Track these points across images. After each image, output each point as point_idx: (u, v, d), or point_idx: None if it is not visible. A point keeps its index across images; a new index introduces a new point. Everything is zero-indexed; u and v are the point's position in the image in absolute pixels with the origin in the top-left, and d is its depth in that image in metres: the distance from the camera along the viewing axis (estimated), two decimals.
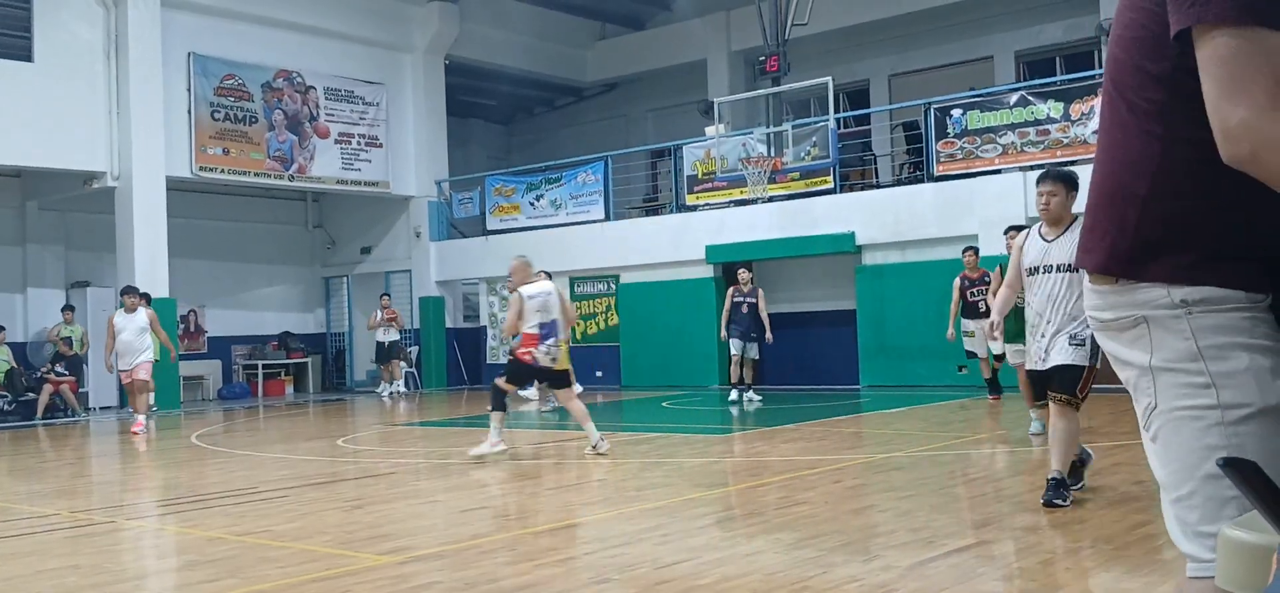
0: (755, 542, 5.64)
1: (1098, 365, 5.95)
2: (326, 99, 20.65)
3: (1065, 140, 15.20)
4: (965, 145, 16.10)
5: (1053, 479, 6.05)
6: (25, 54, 17.07)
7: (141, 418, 13.99)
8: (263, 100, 19.79)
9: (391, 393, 19.58)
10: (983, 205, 15.48)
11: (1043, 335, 6.08)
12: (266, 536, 6.20)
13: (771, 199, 17.84)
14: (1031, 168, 15.37)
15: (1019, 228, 8.86)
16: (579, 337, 20.36)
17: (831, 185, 17.38)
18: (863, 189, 18.17)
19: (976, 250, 13.03)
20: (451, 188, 22.51)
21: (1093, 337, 5.46)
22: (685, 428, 12.08)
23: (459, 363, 22.12)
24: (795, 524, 6.00)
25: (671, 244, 18.76)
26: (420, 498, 7.79)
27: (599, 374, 19.89)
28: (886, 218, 16.66)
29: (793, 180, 17.68)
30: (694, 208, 18.90)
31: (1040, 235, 6.13)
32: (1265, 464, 1.55)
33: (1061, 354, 6.02)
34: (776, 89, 18.10)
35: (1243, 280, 1.73)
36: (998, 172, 15.65)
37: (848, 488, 7.34)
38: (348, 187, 21.25)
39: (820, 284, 18.02)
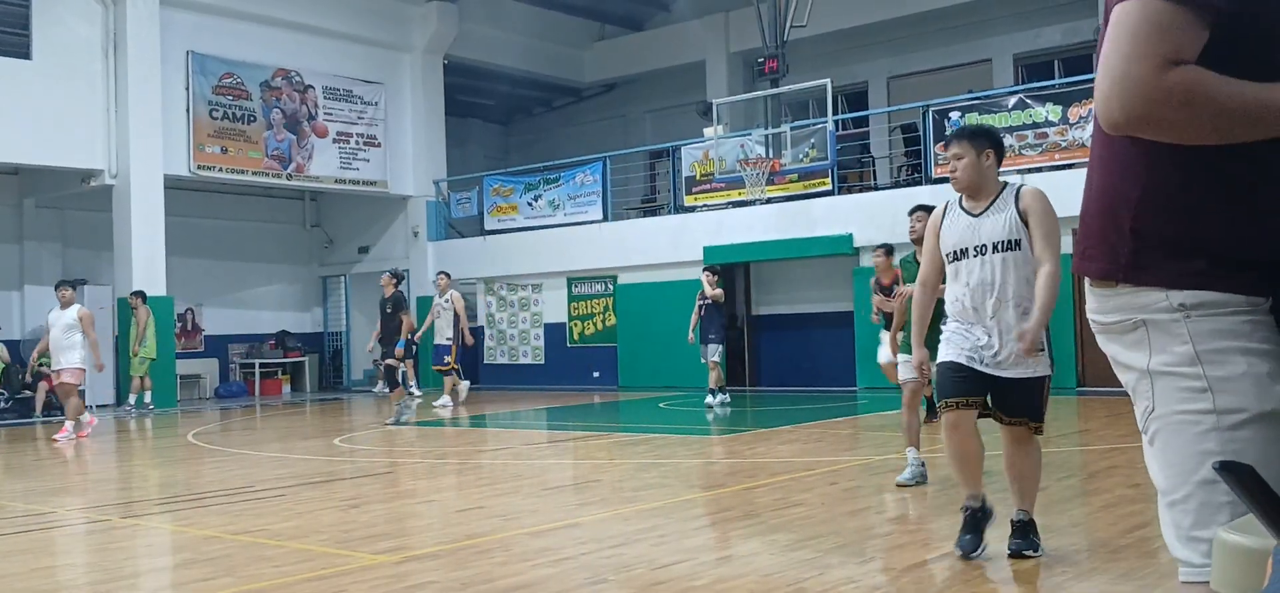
0: (751, 543, 5.64)
1: (1053, 370, 4.87)
2: (325, 98, 20.65)
3: (1063, 143, 15.22)
4: None
5: (1019, 520, 4.95)
6: (24, 51, 17.06)
7: (68, 425, 12.62)
8: (261, 99, 19.78)
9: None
10: None
11: (988, 331, 4.72)
12: (262, 534, 6.19)
13: (769, 201, 17.85)
14: (1030, 171, 15.39)
15: (927, 208, 6.51)
16: (577, 337, 20.39)
17: (829, 187, 17.39)
18: (861, 191, 18.17)
19: (889, 249, 10.66)
20: (449, 188, 22.51)
21: (1046, 339, 4.74)
22: (682, 429, 12.08)
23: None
24: (792, 526, 6.00)
25: (670, 245, 18.77)
26: (417, 498, 7.78)
27: (596, 374, 19.89)
28: (884, 220, 16.63)
29: (791, 182, 17.68)
30: (692, 209, 18.90)
31: (962, 210, 4.87)
32: (1261, 469, 1.55)
33: (1020, 365, 4.71)
34: (775, 91, 18.11)
35: (1242, 285, 1.73)
36: None
37: (844, 490, 7.33)
38: (346, 186, 21.24)
39: (817, 286, 18.03)
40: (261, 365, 21.87)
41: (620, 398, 17.68)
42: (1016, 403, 4.77)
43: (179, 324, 20.35)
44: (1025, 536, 4.94)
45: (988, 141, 4.85)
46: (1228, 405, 1.72)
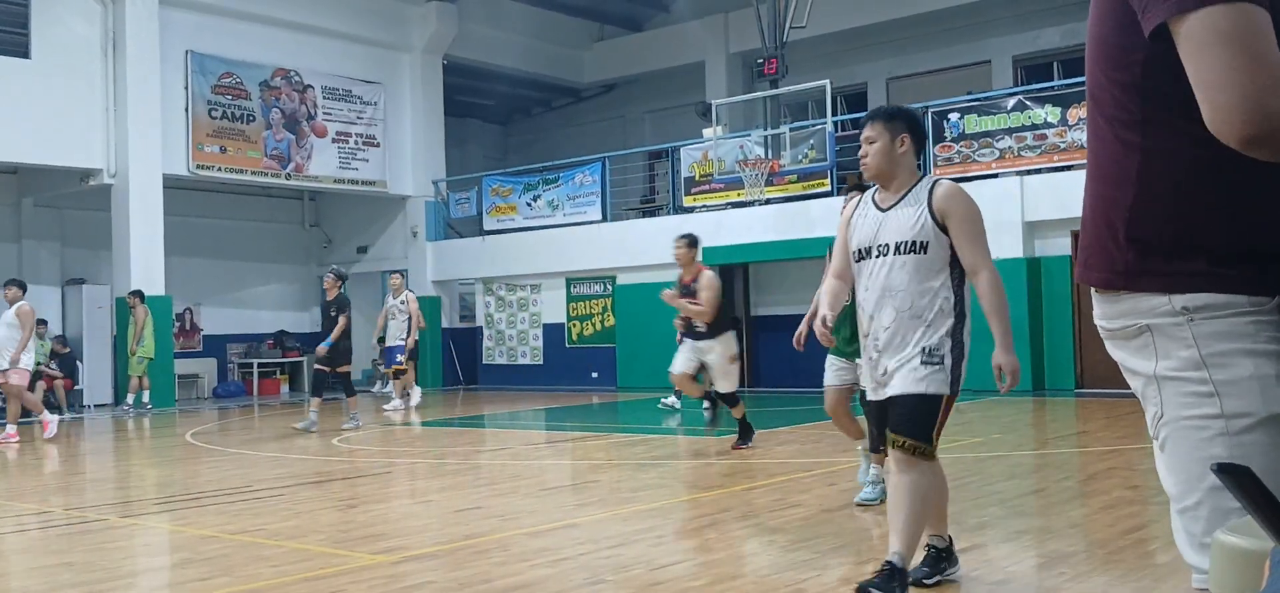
0: (749, 544, 5.63)
1: (957, 395, 4.12)
2: (324, 98, 20.64)
3: (1062, 145, 15.23)
4: (962, 149, 16.12)
5: (888, 565, 4.15)
6: (22, 50, 17.06)
7: (13, 428, 12.23)
8: (260, 99, 19.77)
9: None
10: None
11: (878, 347, 4.13)
12: (260, 534, 6.19)
13: (769, 201, 17.84)
14: (1029, 172, 15.40)
15: (863, 187, 5.18)
16: (575, 337, 20.39)
17: (829, 188, 17.39)
18: (860, 192, 18.15)
19: (692, 240, 9.52)
20: (448, 188, 22.51)
21: (952, 352, 4.06)
22: (681, 430, 12.07)
23: (455, 363, 22.11)
24: (789, 527, 5.99)
25: (668, 245, 18.70)
26: (415, 498, 7.78)
27: (595, 375, 19.89)
28: None
29: (790, 183, 17.68)
30: (691, 209, 18.89)
31: (874, 204, 4.26)
32: (1270, 474, 1.53)
33: (908, 378, 4.04)
34: (774, 91, 18.11)
35: (1245, 285, 1.70)
36: (995, 176, 15.67)
37: (843, 491, 7.32)
38: (345, 186, 21.24)
39: (816, 286, 17.92)
40: (260, 365, 21.85)
41: (619, 398, 17.68)
42: (897, 415, 4.10)
43: (177, 324, 20.33)
44: (888, 582, 4.08)
45: (904, 125, 4.21)
46: (1235, 410, 1.70)
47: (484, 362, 21.67)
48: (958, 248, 4.05)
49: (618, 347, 19.57)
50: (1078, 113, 15.12)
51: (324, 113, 20.62)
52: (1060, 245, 15.25)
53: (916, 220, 4.04)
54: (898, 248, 4.05)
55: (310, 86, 20.42)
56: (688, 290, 9.26)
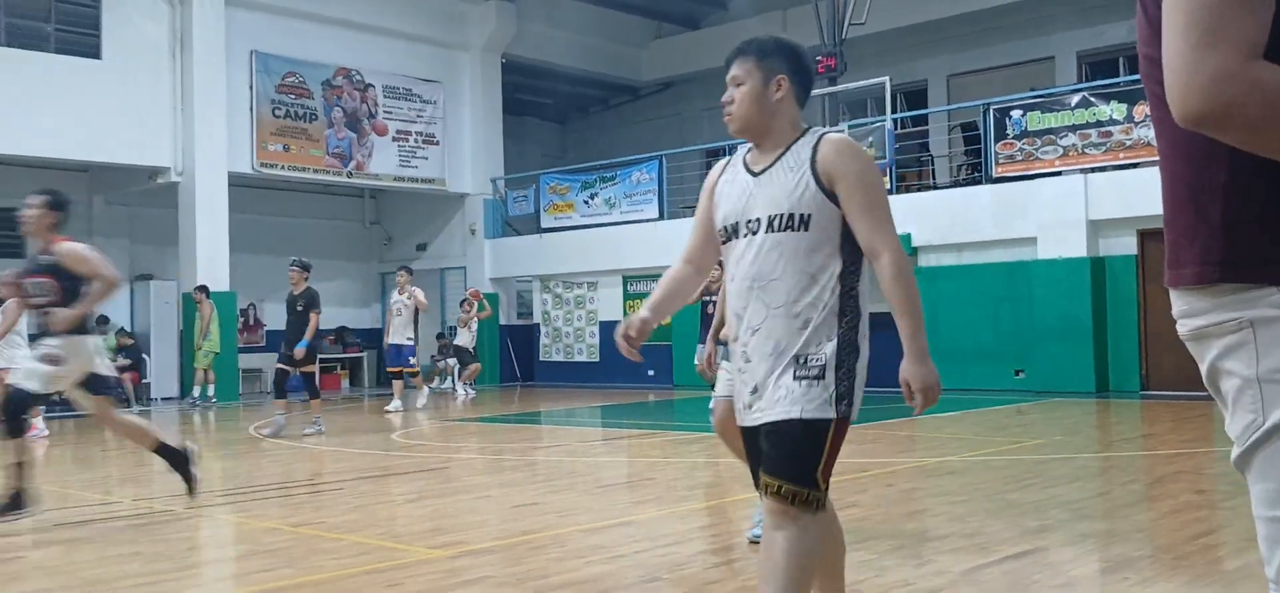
0: None
1: (851, 419, 3.00)
2: (385, 97, 20.88)
3: (1128, 142, 14.94)
4: (1024, 147, 15.88)
5: None
6: (93, 51, 17.49)
7: (39, 422, 11.75)
8: (322, 98, 20.06)
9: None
10: (1039, 208, 15.27)
11: (747, 355, 3.06)
12: (321, 527, 6.28)
13: None
14: (1093, 170, 15.14)
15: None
16: None
17: (888, 186, 17.22)
18: (919, 190, 17.98)
19: (53, 202, 6.87)
20: (506, 186, 22.66)
21: (840, 363, 2.97)
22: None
23: (512, 360, 22.25)
24: (847, 527, 5.92)
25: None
26: (474, 493, 7.84)
27: (651, 373, 19.90)
28: (942, 220, 16.47)
29: None
30: None
31: (745, 166, 3.17)
32: None
33: (782, 400, 2.94)
34: (833, 89, 17.97)
35: None
36: (1058, 174, 15.43)
37: (901, 491, 7.27)
38: (404, 184, 21.47)
39: (874, 286, 17.76)
40: (321, 361, 22.07)
41: (675, 397, 17.68)
42: (768, 450, 2.98)
43: (241, 319, 20.68)
44: None
45: (784, 62, 3.09)
46: None
47: (541, 358, 21.79)
48: (851, 221, 2.99)
49: (674, 345, 19.56)
50: (1144, 109, 14.83)
51: (384, 111, 20.87)
52: (1125, 245, 14.97)
53: (796, 186, 3.00)
54: (771, 223, 3.01)
55: (371, 85, 20.68)
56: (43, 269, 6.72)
